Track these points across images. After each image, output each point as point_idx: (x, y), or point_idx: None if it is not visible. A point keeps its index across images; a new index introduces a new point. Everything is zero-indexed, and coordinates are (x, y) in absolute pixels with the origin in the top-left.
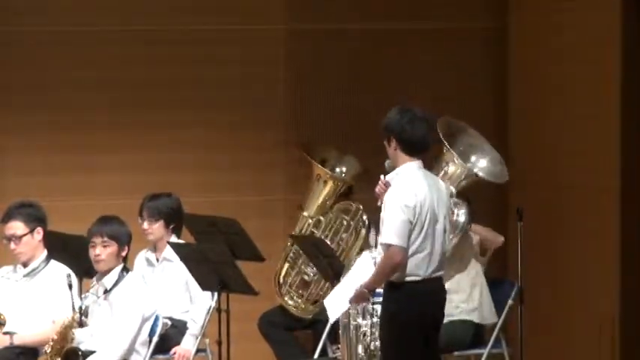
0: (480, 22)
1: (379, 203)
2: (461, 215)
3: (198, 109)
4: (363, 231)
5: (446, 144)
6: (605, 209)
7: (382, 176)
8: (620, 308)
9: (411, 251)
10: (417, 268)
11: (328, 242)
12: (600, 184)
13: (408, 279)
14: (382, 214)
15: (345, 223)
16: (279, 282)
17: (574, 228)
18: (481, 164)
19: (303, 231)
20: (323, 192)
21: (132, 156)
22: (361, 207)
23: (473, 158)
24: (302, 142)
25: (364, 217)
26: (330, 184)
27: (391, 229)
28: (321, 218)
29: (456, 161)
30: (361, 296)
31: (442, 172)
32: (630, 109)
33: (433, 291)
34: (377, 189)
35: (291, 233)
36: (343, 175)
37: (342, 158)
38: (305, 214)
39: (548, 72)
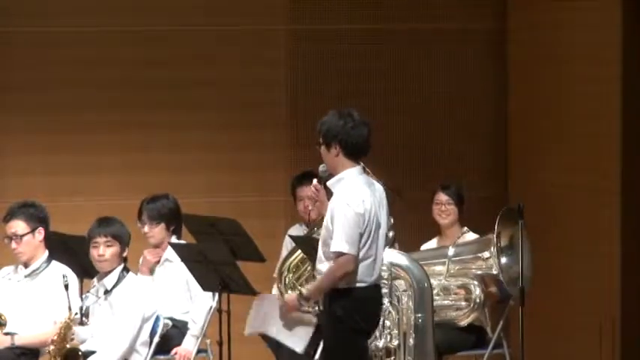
0: (480, 22)
1: (310, 207)
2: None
3: (199, 109)
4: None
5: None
6: (605, 209)
7: (315, 180)
8: (621, 308)
9: (359, 258)
10: (364, 275)
11: None
12: (601, 184)
13: (355, 285)
14: (325, 222)
15: None
16: (288, 268)
17: (574, 228)
18: None
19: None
20: None
21: (132, 156)
22: (391, 221)
23: None
24: None
25: (390, 234)
26: None
27: (343, 237)
28: None
29: None
30: (293, 305)
31: None
32: (630, 109)
33: (376, 298)
34: (308, 193)
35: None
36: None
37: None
38: None
39: (548, 72)
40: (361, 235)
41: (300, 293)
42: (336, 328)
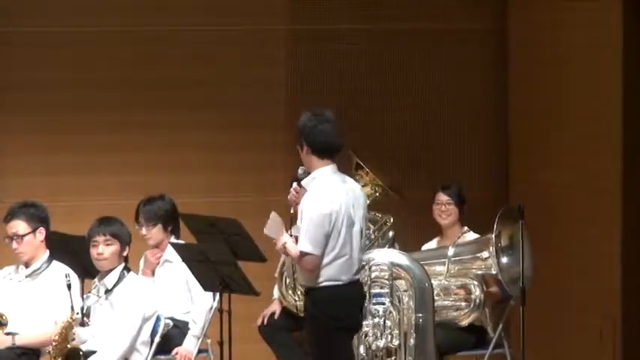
0: (480, 22)
1: (292, 211)
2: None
3: (199, 109)
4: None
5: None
6: (605, 209)
7: (294, 183)
8: (622, 309)
9: (331, 257)
10: (340, 274)
11: None
12: (601, 184)
13: (328, 284)
14: (298, 221)
15: (368, 232)
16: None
17: (574, 228)
18: None
19: None
20: None
21: (132, 156)
22: (391, 220)
23: None
24: (353, 147)
25: (390, 233)
26: (366, 189)
27: (307, 238)
28: None
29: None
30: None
31: None
32: (631, 108)
33: (353, 295)
34: (289, 196)
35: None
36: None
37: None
38: None
39: (548, 72)
40: (328, 235)
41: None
42: (314, 325)
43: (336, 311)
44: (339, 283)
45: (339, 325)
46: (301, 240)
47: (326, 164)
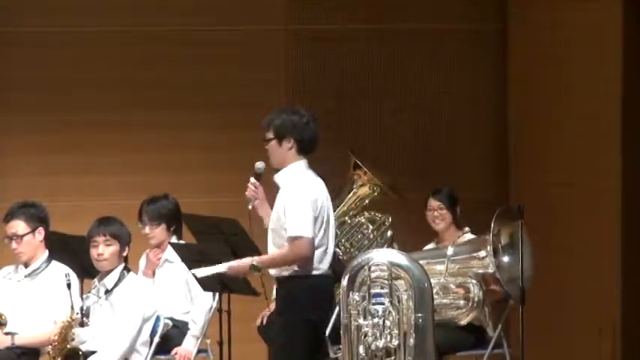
0: (480, 22)
1: (249, 207)
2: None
3: (198, 109)
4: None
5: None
6: (605, 209)
7: (252, 179)
8: (621, 308)
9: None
10: (319, 262)
11: (347, 244)
12: (601, 184)
13: (307, 273)
14: (276, 214)
15: (367, 232)
16: None
17: (574, 228)
18: None
19: None
20: (357, 194)
21: (132, 156)
22: (389, 220)
23: None
24: (351, 147)
25: (388, 233)
26: (365, 189)
27: (300, 222)
28: (347, 220)
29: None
30: (242, 269)
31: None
32: (630, 108)
33: (325, 288)
34: (247, 192)
35: None
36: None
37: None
38: None
39: (548, 72)
40: (315, 219)
41: (253, 264)
42: (283, 315)
43: (311, 301)
44: (319, 272)
45: (307, 318)
46: (294, 225)
47: (300, 159)
